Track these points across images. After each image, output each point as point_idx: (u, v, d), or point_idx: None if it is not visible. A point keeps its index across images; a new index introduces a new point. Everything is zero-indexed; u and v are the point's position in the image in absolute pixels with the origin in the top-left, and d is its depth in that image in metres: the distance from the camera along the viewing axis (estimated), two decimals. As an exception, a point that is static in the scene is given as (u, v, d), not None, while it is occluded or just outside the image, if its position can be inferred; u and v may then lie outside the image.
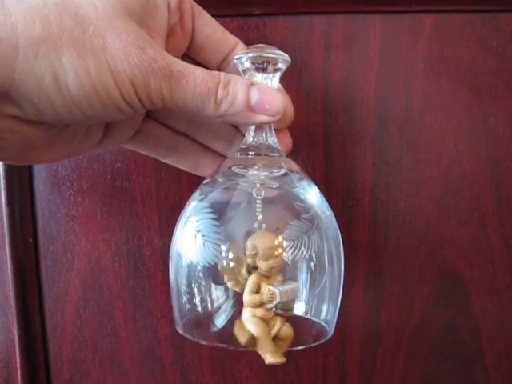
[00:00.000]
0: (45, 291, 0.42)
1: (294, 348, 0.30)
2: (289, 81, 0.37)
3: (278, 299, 0.28)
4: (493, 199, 0.39)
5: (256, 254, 0.29)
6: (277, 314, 0.30)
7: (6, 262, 0.40)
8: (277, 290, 0.28)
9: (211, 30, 0.32)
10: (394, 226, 0.39)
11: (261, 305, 0.29)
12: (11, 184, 0.40)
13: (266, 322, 0.29)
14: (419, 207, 0.39)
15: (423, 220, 0.39)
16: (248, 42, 0.37)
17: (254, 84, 0.29)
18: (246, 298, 0.29)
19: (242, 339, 0.29)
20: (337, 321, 0.32)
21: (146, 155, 0.37)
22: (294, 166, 0.32)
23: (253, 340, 0.29)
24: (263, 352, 0.29)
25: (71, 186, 0.40)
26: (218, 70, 0.32)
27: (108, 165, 0.40)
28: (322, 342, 0.31)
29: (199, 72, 0.27)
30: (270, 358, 0.28)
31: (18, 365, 0.41)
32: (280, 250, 0.29)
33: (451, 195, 0.39)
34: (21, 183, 0.40)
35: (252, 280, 0.29)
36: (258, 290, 0.29)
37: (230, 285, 0.30)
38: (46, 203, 0.41)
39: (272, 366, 0.41)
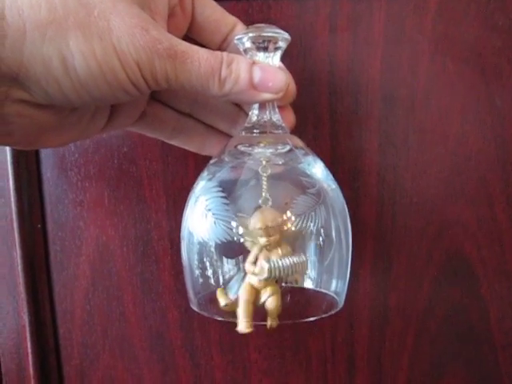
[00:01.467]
0: (54, 277, 0.42)
1: (307, 319, 0.31)
2: (294, 63, 0.38)
3: (265, 274, 0.29)
4: (500, 179, 0.39)
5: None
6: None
7: (15, 249, 0.41)
8: (266, 266, 0.29)
9: (211, 10, 0.33)
10: (400, 207, 0.40)
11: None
12: (19, 170, 0.40)
13: (258, 291, 0.30)
14: (426, 188, 0.39)
15: (430, 201, 0.39)
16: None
17: (256, 63, 0.29)
18: (245, 266, 0.30)
19: (221, 303, 0.30)
20: (347, 295, 0.32)
21: (153, 139, 0.37)
22: (299, 142, 0.32)
23: (232, 306, 0.30)
24: (238, 318, 0.30)
25: (78, 171, 0.41)
26: (219, 50, 0.32)
27: (115, 149, 0.40)
28: (333, 312, 0.32)
29: (203, 52, 0.27)
30: (240, 325, 0.29)
31: (29, 350, 0.42)
32: (273, 231, 0.29)
33: (458, 176, 0.39)
34: (28, 169, 0.40)
35: (253, 251, 0.30)
36: (255, 261, 0.30)
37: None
38: (54, 189, 0.41)
39: (281, 349, 0.42)
